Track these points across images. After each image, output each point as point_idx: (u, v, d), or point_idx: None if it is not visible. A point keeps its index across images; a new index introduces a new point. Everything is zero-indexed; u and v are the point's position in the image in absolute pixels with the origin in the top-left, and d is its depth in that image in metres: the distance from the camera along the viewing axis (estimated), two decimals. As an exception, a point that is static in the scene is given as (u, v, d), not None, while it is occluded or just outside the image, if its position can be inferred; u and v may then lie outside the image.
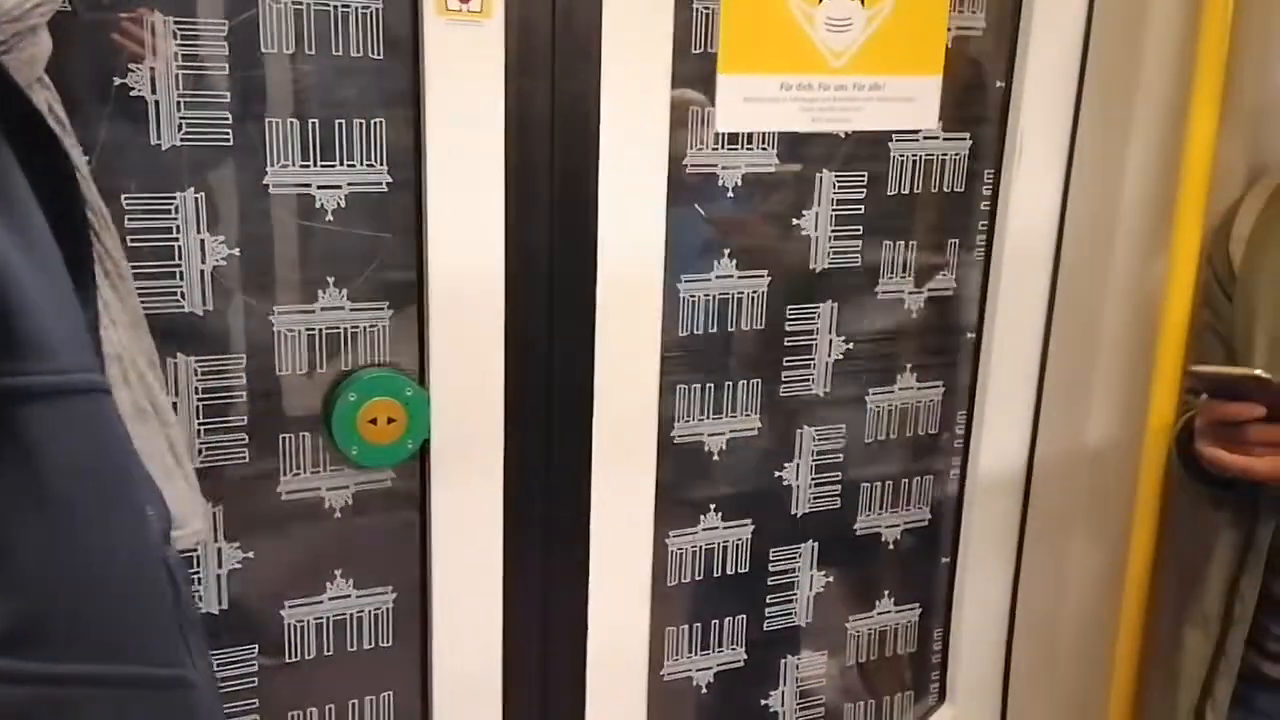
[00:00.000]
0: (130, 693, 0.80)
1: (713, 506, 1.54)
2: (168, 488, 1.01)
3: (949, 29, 1.46)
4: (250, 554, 1.30)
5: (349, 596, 1.36)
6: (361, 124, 1.22)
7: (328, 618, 1.35)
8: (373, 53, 1.21)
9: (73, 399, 0.77)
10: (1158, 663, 1.60)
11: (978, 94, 1.53)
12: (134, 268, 1.12)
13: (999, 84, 1.53)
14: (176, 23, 1.12)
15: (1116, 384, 1.64)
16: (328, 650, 1.36)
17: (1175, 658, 1.46)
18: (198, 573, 1.28)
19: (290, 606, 1.33)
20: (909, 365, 1.60)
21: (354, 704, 1.40)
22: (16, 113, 0.79)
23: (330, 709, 1.38)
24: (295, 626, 1.34)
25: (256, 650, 1.33)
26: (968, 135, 1.52)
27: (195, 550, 1.26)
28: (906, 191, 1.51)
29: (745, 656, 1.62)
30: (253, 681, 1.33)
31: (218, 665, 1.31)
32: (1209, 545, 1.43)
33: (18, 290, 0.72)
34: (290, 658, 1.35)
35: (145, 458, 0.98)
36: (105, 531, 0.79)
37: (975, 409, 1.64)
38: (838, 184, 1.47)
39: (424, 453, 1.32)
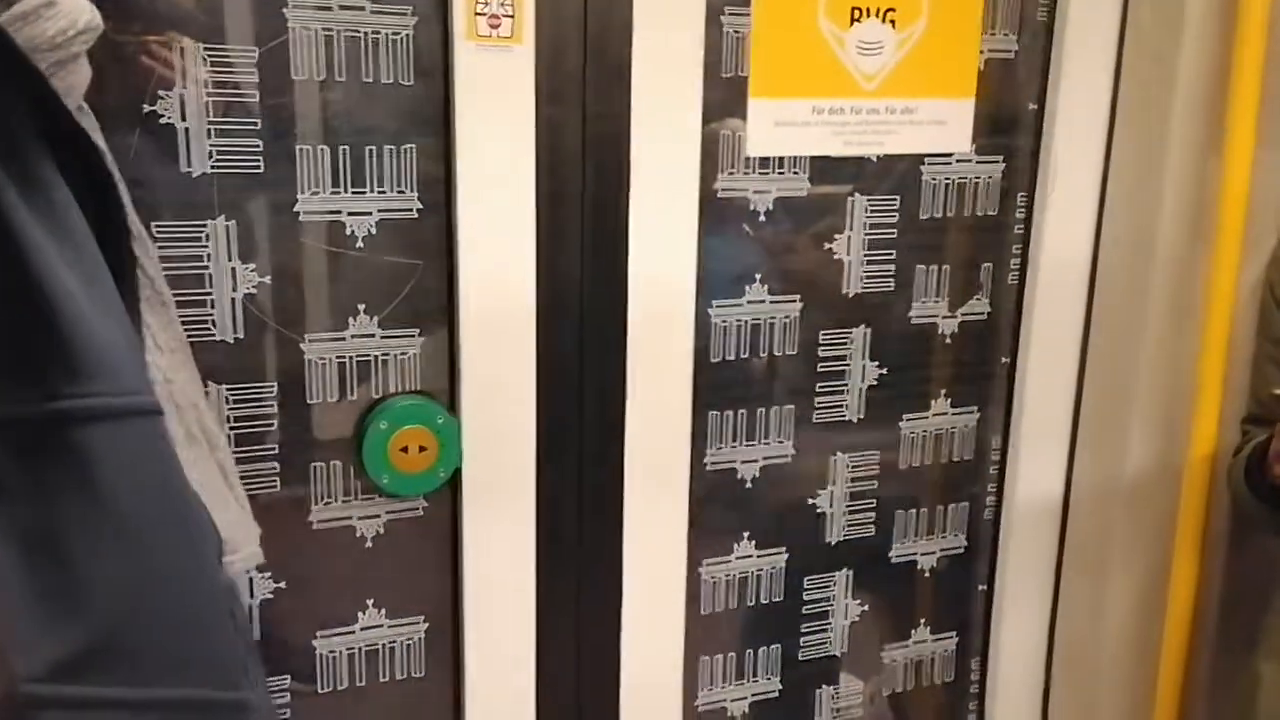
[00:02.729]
0: (196, 717, 0.80)
1: (746, 534, 1.52)
2: (221, 512, 1.01)
3: (981, 52, 1.45)
4: (282, 583, 1.29)
5: (381, 626, 1.35)
6: (392, 150, 1.22)
7: (360, 648, 1.34)
8: (403, 79, 1.21)
9: (136, 420, 0.78)
10: (1219, 696, 1.56)
11: (1011, 117, 1.51)
12: (166, 296, 1.13)
13: (1032, 106, 1.51)
14: (206, 49, 1.12)
15: (1155, 410, 1.61)
16: (360, 680, 1.35)
17: (1250, 691, 1.43)
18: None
19: (322, 636, 1.32)
20: (943, 391, 1.58)
21: (385, 735, 1.38)
22: (65, 138, 0.79)
23: (361, 740, 1.37)
24: (327, 656, 1.33)
25: (289, 680, 1.32)
26: (1001, 158, 1.51)
27: (249, 573, 1.25)
28: (939, 215, 1.49)
29: (780, 686, 1.59)
30: (285, 712, 1.32)
31: (248, 696, 1.30)
32: (1278, 573, 1.40)
33: (79, 314, 0.73)
34: (322, 688, 1.34)
35: (197, 482, 0.98)
36: (171, 554, 0.79)
37: (1011, 435, 1.61)
38: (870, 208, 1.46)
39: (455, 481, 1.31)
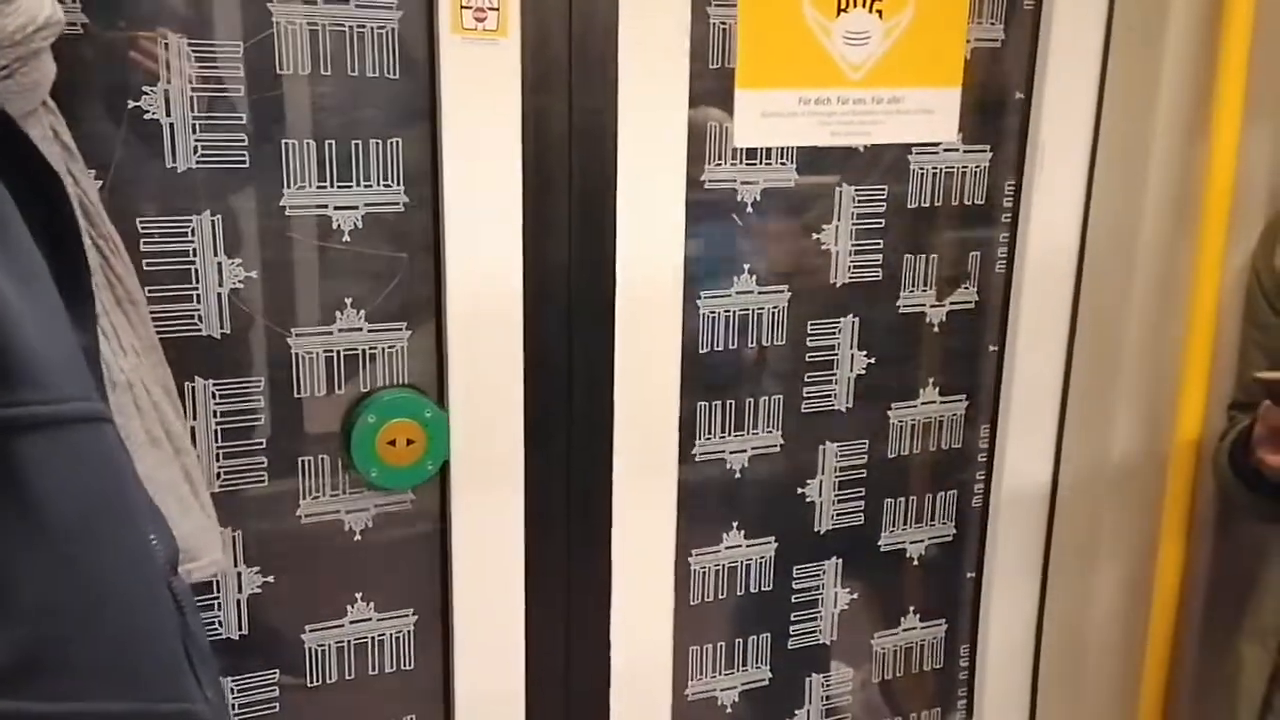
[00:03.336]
0: None
1: (735, 524, 1.52)
2: (184, 519, 1.00)
3: (968, 40, 1.45)
4: (270, 578, 1.29)
5: (370, 619, 1.35)
6: (378, 144, 1.22)
7: (349, 641, 1.34)
8: (389, 72, 1.21)
9: (69, 429, 0.75)
10: (1204, 679, 1.58)
11: (997, 106, 1.51)
12: (151, 291, 1.13)
13: (1019, 95, 1.51)
14: (190, 44, 1.11)
15: (1141, 397, 1.62)
16: (349, 674, 1.35)
17: (1233, 673, 1.44)
18: (217, 598, 1.27)
19: (311, 630, 1.32)
20: (931, 379, 1.58)
21: (376, 728, 1.39)
22: (4, 138, 0.77)
23: (352, 733, 1.37)
24: (316, 650, 1.33)
25: (278, 674, 1.32)
26: (988, 147, 1.51)
27: (214, 578, 1.25)
28: (927, 204, 1.49)
29: (770, 675, 1.60)
30: (274, 707, 1.32)
31: (238, 690, 1.30)
32: (1264, 558, 1.41)
33: (5, 316, 0.70)
34: (311, 682, 1.34)
35: (158, 487, 0.97)
36: (104, 562, 0.77)
37: (999, 422, 1.62)
38: (858, 198, 1.45)
39: (444, 474, 1.31)
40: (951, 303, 1.56)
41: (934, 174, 1.49)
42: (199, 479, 1.09)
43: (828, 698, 1.65)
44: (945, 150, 1.48)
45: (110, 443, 0.80)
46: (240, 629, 1.29)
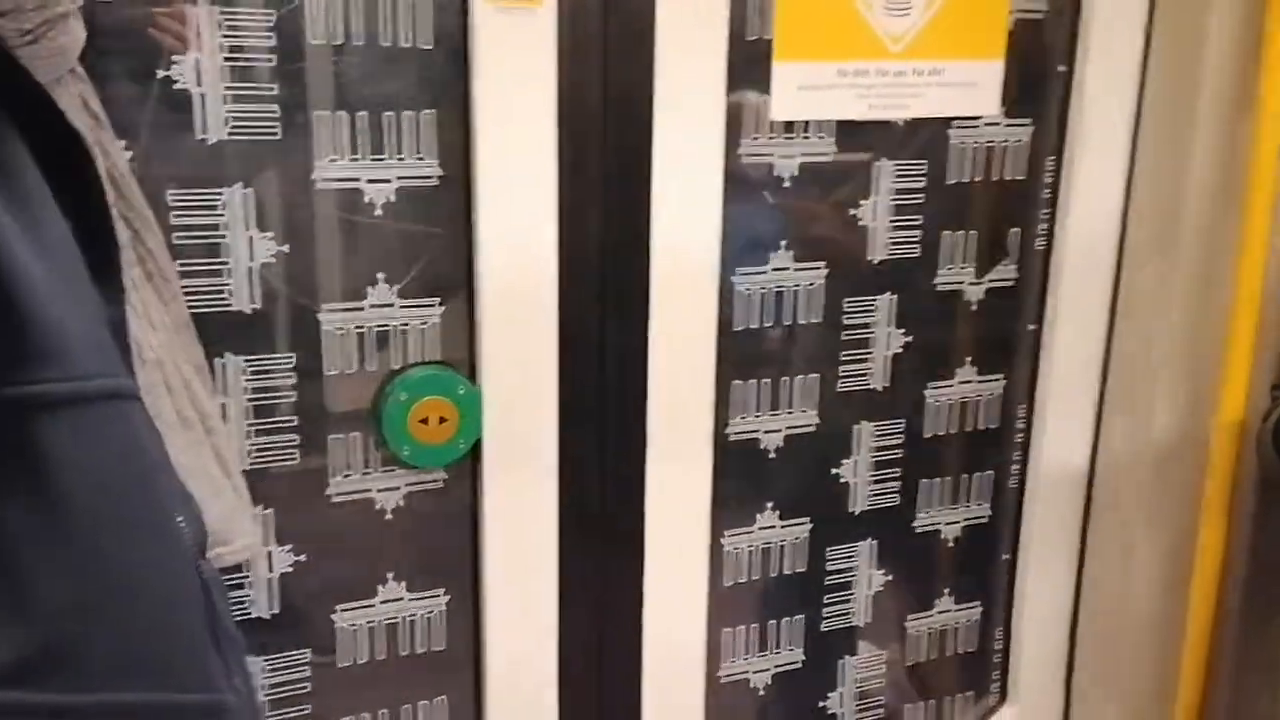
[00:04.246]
0: None
1: (769, 505, 1.50)
2: (215, 501, 0.98)
3: (1010, 11, 1.41)
4: (302, 557, 1.27)
5: (401, 599, 1.33)
6: (411, 116, 1.20)
7: (379, 621, 1.33)
8: (421, 43, 1.18)
9: (92, 406, 0.72)
10: (1245, 663, 1.55)
11: (1039, 79, 1.48)
12: (179, 265, 1.11)
13: (1061, 68, 1.48)
14: (222, 12, 1.09)
15: (1182, 377, 1.58)
16: (380, 654, 1.34)
17: (1275, 657, 1.42)
18: (247, 577, 1.25)
19: (342, 610, 1.31)
20: (969, 358, 1.55)
21: (407, 708, 1.37)
22: (33, 107, 0.75)
23: (383, 713, 1.36)
24: (347, 630, 1.32)
25: (309, 654, 1.31)
26: (1030, 121, 1.48)
27: (268, 548, 1.24)
28: (967, 180, 1.46)
29: (803, 657, 1.58)
30: (305, 686, 1.31)
31: (269, 669, 1.29)
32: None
33: (29, 292, 0.68)
34: (342, 661, 1.32)
35: (188, 469, 0.95)
36: (130, 548, 0.74)
37: (1037, 402, 1.59)
38: (896, 173, 1.43)
39: (476, 452, 1.30)
40: (990, 280, 1.53)
41: (974, 148, 1.46)
42: (231, 459, 1.07)
43: (860, 680, 1.63)
44: (986, 124, 1.45)
45: (136, 421, 0.77)
46: (271, 608, 1.27)
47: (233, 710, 0.81)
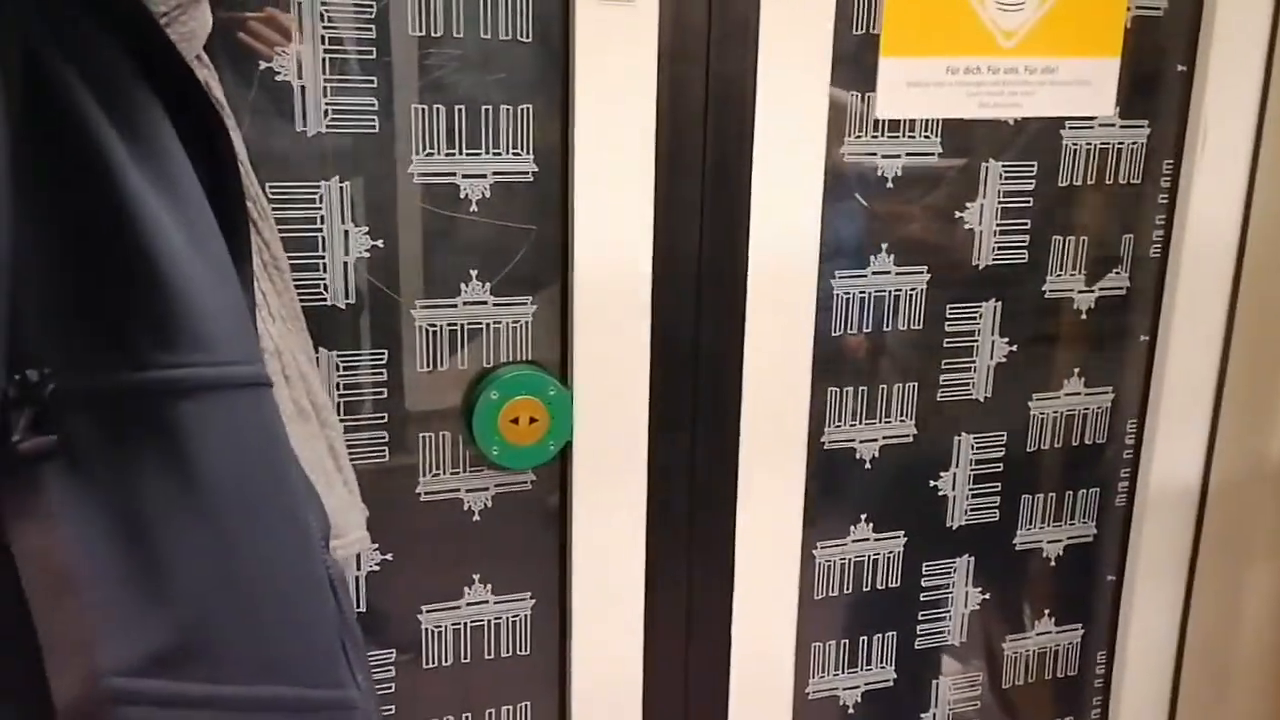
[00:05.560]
0: (290, 717, 0.75)
1: (864, 516, 1.46)
2: (328, 494, 0.97)
3: (1128, 8, 1.36)
4: (389, 556, 1.26)
5: (487, 602, 1.31)
6: (509, 110, 1.18)
7: (465, 623, 1.31)
8: (521, 36, 1.16)
9: (235, 393, 0.72)
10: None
11: (1157, 79, 1.42)
12: (279, 259, 1.09)
13: (1180, 68, 1.42)
14: (323, 3, 1.08)
15: (1304, 393, 1.52)
16: (464, 657, 1.32)
17: None
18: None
19: (428, 610, 1.29)
20: (1076, 370, 1.50)
21: (490, 712, 1.35)
22: (179, 90, 0.74)
23: (467, 717, 1.34)
24: (432, 631, 1.30)
25: (394, 654, 1.29)
26: (1146, 123, 1.42)
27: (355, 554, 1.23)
28: (1079, 183, 1.41)
29: (895, 676, 1.53)
30: (390, 687, 1.29)
31: (354, 669, 1.27)
32: None
33: (179, 274, 0.67)
34: (427, 663, 1.31)
35: (306, 461, 0.93)
36: (267, 540, 0.73)
37: (1148, 418, 1.53)
38: (1005, 174, 1.38)
39: (566, 455, 1.27)
40: (1101, 288, 1.47)
41: (1087, 150, 1.40)
42: (343, 453, 1.06)
43: (954, 702, 1.58)
44: (1101, 125, 1.39)
45: (271, 410, 0.77)
46: (358, 607, 1.26)
47: (358, 708, 0.80)
